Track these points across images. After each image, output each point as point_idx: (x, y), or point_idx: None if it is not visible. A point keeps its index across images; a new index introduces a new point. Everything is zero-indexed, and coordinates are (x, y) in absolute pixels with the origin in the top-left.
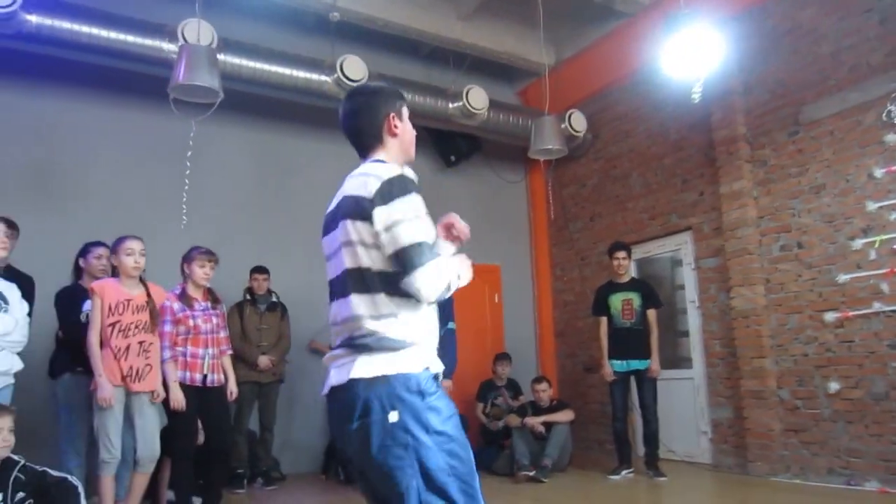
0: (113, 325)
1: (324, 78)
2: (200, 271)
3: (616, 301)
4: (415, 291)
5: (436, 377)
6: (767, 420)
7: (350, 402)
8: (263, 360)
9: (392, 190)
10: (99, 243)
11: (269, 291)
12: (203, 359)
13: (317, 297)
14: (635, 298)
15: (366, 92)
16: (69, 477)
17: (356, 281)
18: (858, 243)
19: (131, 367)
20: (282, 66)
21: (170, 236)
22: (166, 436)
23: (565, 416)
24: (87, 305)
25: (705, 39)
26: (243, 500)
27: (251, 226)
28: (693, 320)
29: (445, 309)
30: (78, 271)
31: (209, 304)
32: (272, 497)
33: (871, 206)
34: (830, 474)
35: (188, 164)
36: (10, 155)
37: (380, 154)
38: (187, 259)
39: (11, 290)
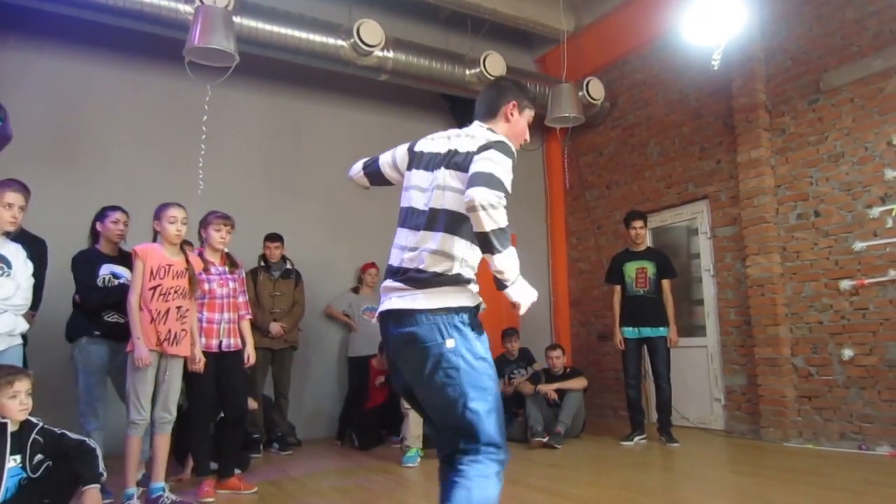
0: (154, 288)
1: (340, 42)
2: (217, 235)
3: (630, 269)
4: (469, 199)
5: (476, 311)
6: (781, 387)
7: (412, 327)
8: (275, 327)
9: (493, 146)
10: (116, 207)
11: (284, 258)
12: (219, 324)
13: (332, 263)
14: (650, 267)
15: (508, 79)
16: (87, 440)
17: (444, 221)
18: (876, 211)
19: (169, 331)
20: (298, 30)
21: (186, 201)
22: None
23: (578, 383)
24: (103, 270)
25: (727, 4)
26: (259, 465)
27: (267, 191)
28: (708, 289)
29: None
30: (95, 235)
31: (226, 269)
32: (288, 462)
33: (890, 174)
34: (843, 439)
35: (204, 128)
36: (26, 117)
37: (492, 126)
38: (204, 223)
39: (17, 253)
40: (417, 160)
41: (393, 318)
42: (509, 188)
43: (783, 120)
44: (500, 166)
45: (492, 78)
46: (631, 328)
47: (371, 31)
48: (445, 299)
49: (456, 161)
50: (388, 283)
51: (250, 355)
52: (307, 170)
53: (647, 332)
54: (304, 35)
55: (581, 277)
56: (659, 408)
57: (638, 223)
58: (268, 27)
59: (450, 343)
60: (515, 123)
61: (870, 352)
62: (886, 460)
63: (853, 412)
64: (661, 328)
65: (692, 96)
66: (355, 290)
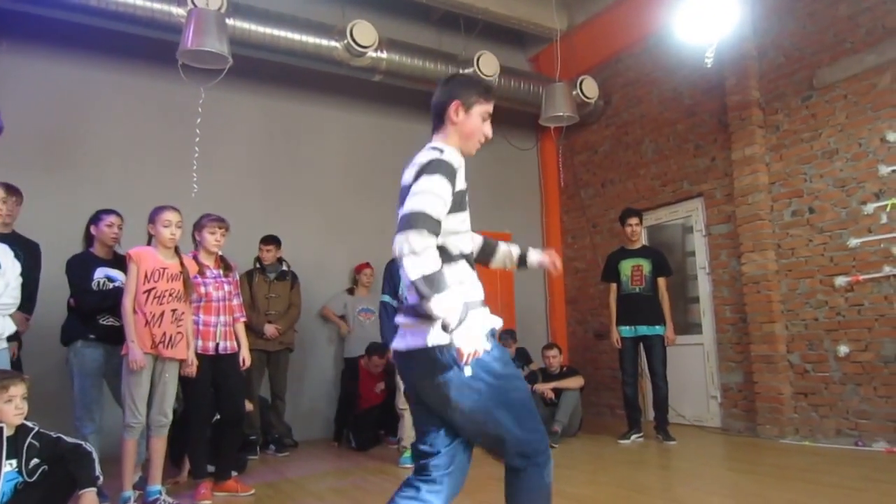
0: (148, 292)
1: (333, 43)
2: (211, 238)
3: (626, 267)
4: (394, 247)
5: (492, 332)
6: (777, 384)
7: (428, 362)
8: (269, 329)
9: (422, 170)
10: (110, 211)
11: (279, 260)
12: (215, 327)
13: (328, 264)
14: (646, 265)
15: (451, 77)
16: (83, 443)
17: None
18: (870, 207)
19: (164, 334)
20: (291, 32)
21: (181, 204)
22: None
23: (575, 382)
24: (98, 273)
25: (719, 2)
26: (256, 467)
27: (261, 193)
28: (703, 286)
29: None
30: (89, 238)
31: (221, 272)
32: (285, 463)
33: (884, 170)
34: (839, 436)
35: (198, 131)
36: (19, 121)
37: (437, 138)
38: (198, 226)
39: (4, 253)
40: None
41: (406, 355)
42: (442, 211)
43: (777, 117)
44: (425, 196)
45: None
46: (627, 326)
47: (364, 31)
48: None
49: (403, 197)
50: (399, 317)
51: (245, 358)
52: (302, 171)
53: (644, 330)
54: (297, 36)
55: (577, 276)
56: (656, 406)
57: (633, 220)
58: (261, 29)
59: (467, 371)
60: (463, 124)
61: (865, 348)
62: (883, 456)
63: (849, 409)
64: (658, 326)
65: (686, 94)
66: (350, 291)
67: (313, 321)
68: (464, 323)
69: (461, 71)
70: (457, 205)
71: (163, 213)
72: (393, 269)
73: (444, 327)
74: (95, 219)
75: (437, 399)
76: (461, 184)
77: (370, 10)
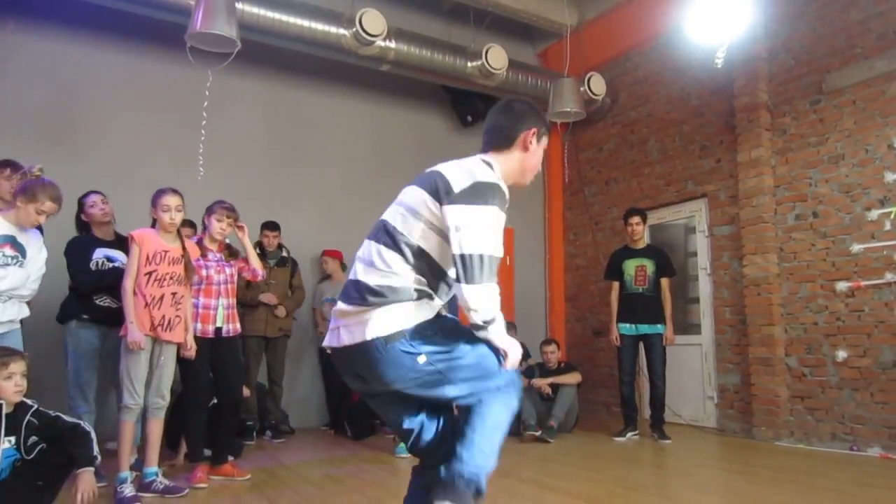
0: (149, 274)
1: (342, 31)
2: (217, 225)
3: (630, 266)
4: (463, 301)
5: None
6: (774, 386)
7: (370, 355)
8: (269, 296)
9: (477, 193)
10: (88, 193)
11: (279, 247)
12: (215, 310)
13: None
14: (649, 265)
15: (528, 102)
16: (82, 423)
17: (395, 242)
18: (874, 214)
19: (163, 317)
20: (300, 18)
21: (186, 187)
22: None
23: (572, 378)
24: (97, 253)
25: (731, 3)
26: (252, 452)
27: (266, 178)
28: (704, 287)
29: None
30: (83, 226)
31: (223, 256)
32: (281, 449)
33: (890, 176)
34: (834, 440)
35: (204, 114)
36: (25, 100)
37: (495, 157)
38: (208, 211)
39: (33, 242)
40: (416, 177)
41: (346, 350)
42: (498, 244)
43: (784, 120)
44: (489, 234)
45: (503, 96)
46: (628, 325)
47: (373, 20)
48: (399, 320)
49: (433, 186)
50: (339, 307)
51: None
52: (306, 158)
53: (645, 328)
54: (306, 23)
55: (577, 273)
56: (652, 404)
57: (635, 219)
58: (270, 14)
59: (421, 360)
60: (533, 154)
61: (864, 354)
62: (877, 462)
63: (845, 413)
64: (659, 325)
65: (694, 94)
66: (321, 281)
67: (309, 309)
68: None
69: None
70: None
71: (162, 198)
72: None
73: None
74: (79, 207)
75: (390, 385)
76: None
77: None
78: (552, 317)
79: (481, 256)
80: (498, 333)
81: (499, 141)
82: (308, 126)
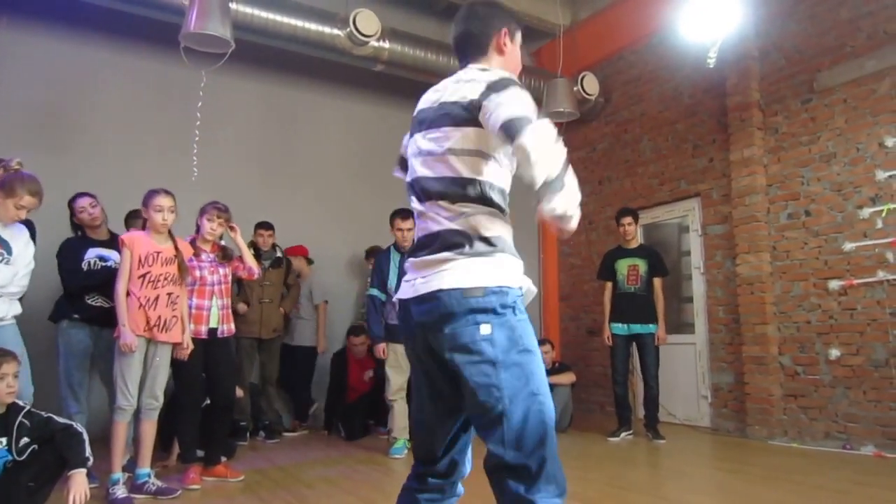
0: (143, 276)
1: (336, 31)
2: (209, 225)
3: (622, 266)
4: (522, 150)
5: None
6: (768, 385)
7: (437, 311)
8: (241, 307)
9: (499, 84)
10: (78, 196)
11: (274, 247)
12: (209, 310)
13: (323, 251)
14: (642, 265)
15: (486, 2)
16: (74, 424)
17: (459, 187)
18: (866, 212)
19: (160, 318)
20: (294, 18)
21: (180, 187)
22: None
23: (567, 378)
24: (90, 253)
25: (723, 3)
26: (246, 453)
27: (260, 178)
28: (697, 286)
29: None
30: (75, 225)
31: (216, 256)
32: (274, 450)
33: (881, 175)
34: (827, 438)
35: (198, 114)
36: (17, 98)
37: (485, 65)
38: (201, 212)
39: (19, 236)
40: (417, 125)
41: (414, 303)
42: (535, 111)
43: (776, 119)
44: (515, 103)
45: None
46: (620, 324)
47: (367, 20)
48: (478, 277)
49: (456, 116)
50: (412, 258)
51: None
52: (301, 158)
53: (637, 328)
54: (300, 23)
55: (571, 272)
56: (646, 404)
57: (627, 220)
58: (264, 14)
59: (484, 329)
60: (510, 55)
61: (856, 352)
62: (870, 460)
63: (838, 412)
64: (651, 325)
65: (686, 93)
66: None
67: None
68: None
69: None
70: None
71: (154, 198)
72: (381, 262)
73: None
74: (71, 211)
75: (441, 359)
76: None
77: None
78: (546, 316)
79: (525, 116)
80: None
81: (473, 51)
82: (302, 126)
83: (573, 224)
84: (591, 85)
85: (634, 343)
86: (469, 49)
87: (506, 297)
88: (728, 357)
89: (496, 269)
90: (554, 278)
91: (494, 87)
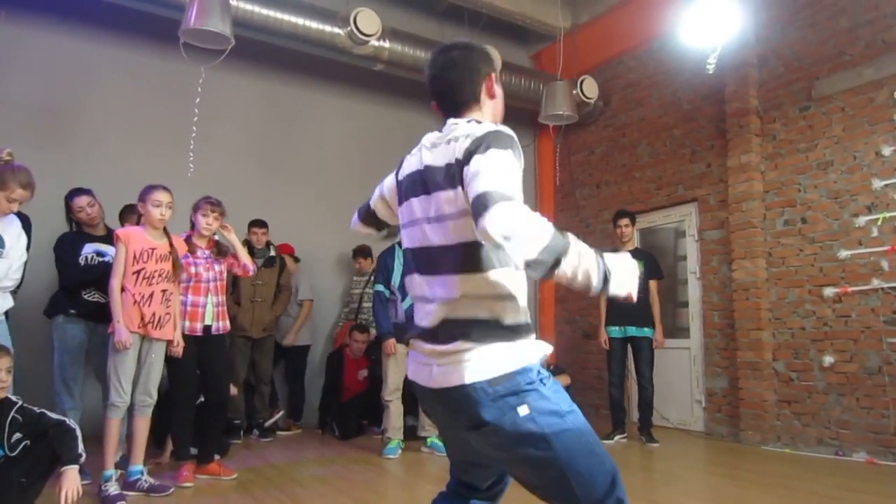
0: (137, 272)
1: (336, 30)
2: (203, 221)
3: None
4: (481, 232)
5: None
6: (761, 391)
7: (468, 404)
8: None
9: (483, 143)
10: (77, 193)
11: (267, 245)
12: (204, 307)
13: (321, 249)
14: (638, 267)
15: (464, 46)
16: (67, 420)
17: (463, 256)
18: (862, 220)
19: (154, 314)
20: (294, 16)
21: (176, 184)
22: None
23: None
24: (87, 248)
25: (723, 9)
26: (239, 451)
27: (257, 176)
28: (693, 291)
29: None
30: (72, 220)
31: (212, 253)
32: (268, 449)
33: (878, 183)
34: (820, 444)
35: (196, 110)
36: (16, 91)
37: (475, 115)
38: (195, 208)
39: (9, 229)
40: (404, 192)
41: (439, 395)
42: (519, 187)
43: (774, 126)
44: (494, 172)
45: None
46: (616, 327)
47: (368, 20)
48: (501, 362)
49: (442, 180)
50: (419, 344)
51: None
52: (298, 156)
53: (633, 331)
54: (300, 21)
55: None
56: (640, 408)
57: (624, 221)
58: (264, 11)
59: (522, 410)
60: (499, 98)
61: (850, 359)
62: (862, 467)
63: (831, 418)
64: (647, 328)
65: (685, 99)
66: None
67: (318, 306)
68: (607, 264)
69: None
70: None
71: (153, 193)
72: (385, 259)
73: (587, 285)
74: (68, 208)
75: (492, 450)
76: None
77: None
78: (542, 319)
79: (498, 191)
80: (583, 256)
81: (459, 104)
82: (301, 124)
83: (567, 271)
84: (591, 88)
85: (630, 346)
86: (454, 101)
87: (531, 373)
88: (722, 362)
89: (516, 352)
90: (550, 281)
91: (480, 143)
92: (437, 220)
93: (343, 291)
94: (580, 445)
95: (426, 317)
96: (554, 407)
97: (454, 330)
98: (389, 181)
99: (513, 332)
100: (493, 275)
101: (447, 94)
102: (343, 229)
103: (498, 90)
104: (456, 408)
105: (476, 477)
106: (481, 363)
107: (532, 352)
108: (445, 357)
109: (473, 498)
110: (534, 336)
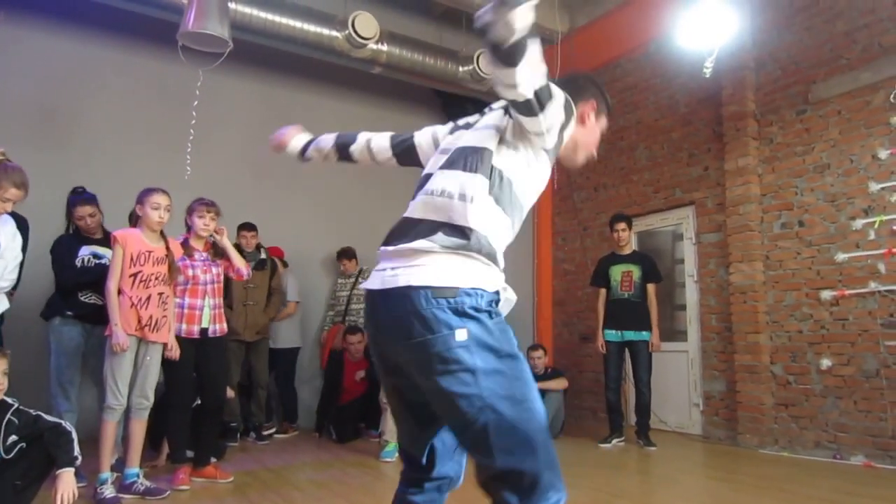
0: (134, 275)
1: (335, 33)
2: (200, 222)
3: (616, 272)
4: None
5: (496, 300)
6: (759, 394)
7: (404, 309)
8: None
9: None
10: (83, 200)
11: (258, 248)
12: (201, 310)
13: (317, 252)
14: (636, 271)
15: (591, 77)
16: (63, 422)
17: (480, 158)
18: (859, 223)
19: (150, 317)
20: (293, 19)
21: (173, 186)
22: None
23: (559, 384)
24: (84, 251)
25: (720, 12)
26: (235, 454)
27: (254, 179)
28: (691, 294)
29: None
30: (70, 222)
31: (209, 256)
32: (265, 452)
33: (874, 186)
34: (818, 448)
35: (194, 113)
36: (14, 92)
37: None
38: (189, 210)
39: (4, 229)
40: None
41: (380, 298)
42: (555, 134)
43: (771, 129)
44: (559, 93)
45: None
46: (614, 331)
47: (366, 23)
48: (453, 275)
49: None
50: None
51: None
52: (295, 160)
53: (630, 335)
54: (298, 24)
55: (565, 278)
56: (638, 411)
57: (620, 226)
58: (263, 15)
59: (460, 335)
60: (590, 130)
61: (847, 362)
62: (860, 470)
63: (829, 421)
64: (644, 332)
65: (682, 102)
66: None
67: (305, 308)
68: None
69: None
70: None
71: (152, 196)
72: None
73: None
74: (69, 207)
75: (415, 367)
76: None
77: (372, 1)
78: (540, 322)
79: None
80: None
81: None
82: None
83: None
84: None
85: (627, 349)
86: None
87: (480, 299)
88: (720, 365)
89: (473, 271)
90: (548, 284)
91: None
92: (473, 129)
93: (329, 293)
94: (509, 392)
95: (409, 209)
96: (494, 343)
97: (423, 228)
98: (444, 128)
99: (477, 251)
100: (489, 199)
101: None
102: (332, 231)
103: (592, 121)
104: (393, 315)
105: (415, 441)
106: (432, 270)
107: (490, 279)
108: (400, 259)
109: (425, 481)
110: (500, 273)
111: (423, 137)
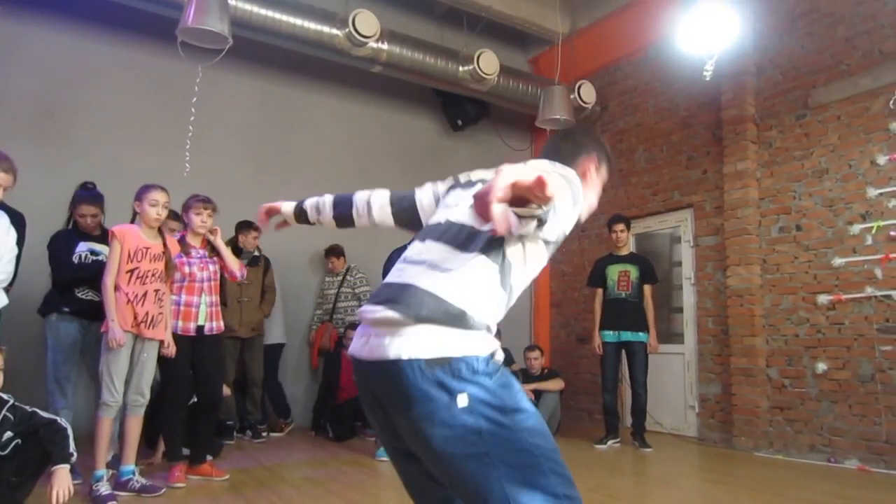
0: (131, 271)
1: (335, 31)
2: (197, 219)
3: (613, 272)
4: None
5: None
6: (755, 397)
7: (400, 385)
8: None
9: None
10: (88, 200)
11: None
12: (197, 307)
13: (309, 254)
14: (633, 271)
15: (590, 130)
16: (59, 419)
17: (477, 240)
18: (856, 228)
19: (147, 314)
20: (293, 17)
21: (171, 183)
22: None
23: (555, 384)
24: (81, 247)
25: (721, 17)
26: (231, 452)
27: (253, 176)
28: (688, 297)
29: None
30: (71, 216)
31: (206, 253)
32: (260, 450)
33: (872, 192)
34: (812, 451)
35: (193, 110)
36: (12, 88)
37: None
38: (185, 207)
39: None
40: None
41: (369, 368)
42: (570, 220)
43: (770, 134)
44: (566, 184)
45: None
46: (611, 332)
47: (366, 21)
48: (446, 346)
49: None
50: (369, 307)
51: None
52: (294, 157)
53: (627, 336)
54: (298, 22)
55: (563, 279)
56: (634, 413)
57: (619, 227)
58: (263, 11)
59: (462, 400)
60: (593, 185)
61: (843, 366)
62: (854, 474)
63: (824, 425)
64: (641, 333)
65: (682, 105)
66: None
67: (294, 306)
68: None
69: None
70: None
71: (150, 192)
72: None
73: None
74: (74, 201)
75: (416, 438)
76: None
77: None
78: (537, 323)
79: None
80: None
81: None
82: (297, 125)
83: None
84: (588, 93)
85: (624, 350)
86: (552, 159)
87: (476, 363)
88: (716, 368)
89: (463, 340)
90: (545, 285)
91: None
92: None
93: (316, 291)
94: (517, 446)
95: (395, 274)
96: (497, 402)
97: (410, 297)
98: (444, 185)
99: (469, 326)
100: (485, 274)
101: (547, 153)
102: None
103: (593, 177)
104: (385, 389)
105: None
106: (421, 339)
107: (481, 344)
108: (384, 326)
109: None
110: (494, 340)
111: (424, 195)
